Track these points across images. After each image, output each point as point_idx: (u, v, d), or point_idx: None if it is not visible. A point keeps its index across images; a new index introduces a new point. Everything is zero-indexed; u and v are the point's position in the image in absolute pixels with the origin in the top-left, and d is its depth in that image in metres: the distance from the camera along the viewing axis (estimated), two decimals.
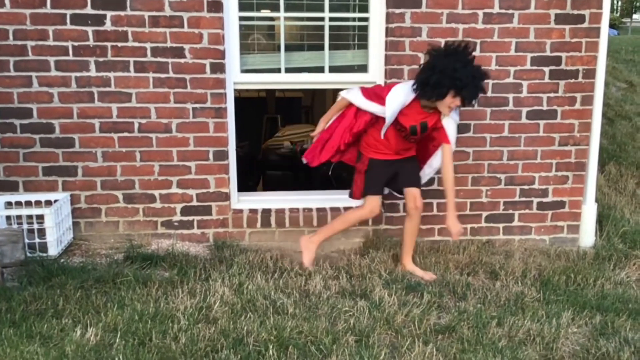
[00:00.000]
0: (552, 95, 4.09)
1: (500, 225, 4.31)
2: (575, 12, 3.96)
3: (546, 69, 4.05)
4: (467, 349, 2.81)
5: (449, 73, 3.25)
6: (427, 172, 3.80)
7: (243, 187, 4.43)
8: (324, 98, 7.73)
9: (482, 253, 4.06)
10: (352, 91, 3.61)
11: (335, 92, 3.91)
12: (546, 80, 4.06)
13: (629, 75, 8.16)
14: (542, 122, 4.14)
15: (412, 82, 3.44)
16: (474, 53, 3.38)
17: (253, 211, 4.14)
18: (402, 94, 3.45)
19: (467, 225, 4.25)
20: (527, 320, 3.11)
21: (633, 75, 8.22)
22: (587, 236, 4.33)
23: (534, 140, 4.17)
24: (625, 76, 8.11)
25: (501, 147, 4.18)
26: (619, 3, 43.36)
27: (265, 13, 4.36)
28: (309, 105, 8.78)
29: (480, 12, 3.93)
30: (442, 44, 3.46)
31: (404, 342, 2.81)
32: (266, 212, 4.14)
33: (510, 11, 3.94)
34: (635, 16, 43.68)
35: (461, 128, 4.07)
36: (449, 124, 3.53)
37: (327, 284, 3.48)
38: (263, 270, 3.65)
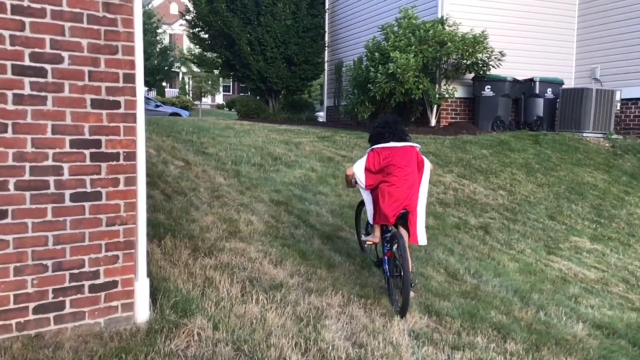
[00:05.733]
0: (95, 177, 4.12)
1: (51, 315, 4.04)
2: (111, 98, 4.13)
3: (87, 152, 4.07)
4: None
5: None
6: None
7: None
8: None
9: (29, 350, 3.72)
10: None
11: None
12: (88, 162, 4.08)
13: (186, 154, 8.97)
14: (87, 204, 4.12)
15: None
16: None
17: None
18: None
19: (12, 321, 3.86)
20: None
21: (190, 154, 9.07)
22: (142, 312, 4.43)
23: (81, 222, 4.11)
24: (183, 155, 8.89)
25: (45, 232, 3.97)
26: (191, 87, 48.71)
27: None
28: None
29: (9, 93, 3.73)
30: None
31: None
32: None
33: (43, 93, 3.86)
34: (204, 99, 49.52)
35: None
36: None
37: None
38: None
